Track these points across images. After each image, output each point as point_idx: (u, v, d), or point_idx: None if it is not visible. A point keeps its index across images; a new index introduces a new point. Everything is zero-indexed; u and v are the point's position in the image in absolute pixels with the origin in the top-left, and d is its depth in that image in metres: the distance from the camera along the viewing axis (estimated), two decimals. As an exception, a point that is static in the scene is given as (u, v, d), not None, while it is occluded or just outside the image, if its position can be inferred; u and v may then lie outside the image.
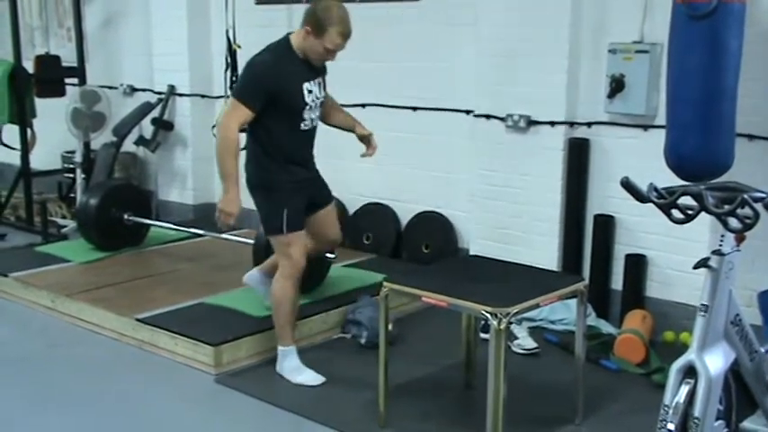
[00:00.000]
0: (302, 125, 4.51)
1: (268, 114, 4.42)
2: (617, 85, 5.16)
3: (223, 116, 4.55)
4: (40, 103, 7.87)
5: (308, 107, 4.47)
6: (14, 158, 7.96)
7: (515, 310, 3.58)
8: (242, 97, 4.38)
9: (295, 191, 4.55)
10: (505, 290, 3.78)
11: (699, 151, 4.28)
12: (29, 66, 7.82)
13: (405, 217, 6.61)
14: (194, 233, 6.69)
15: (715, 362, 3.14)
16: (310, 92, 4.47)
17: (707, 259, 3.14)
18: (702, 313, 3.15)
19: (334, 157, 6.84)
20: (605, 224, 5.41)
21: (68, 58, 8.03)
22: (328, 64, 4.58)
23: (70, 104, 7.46)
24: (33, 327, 5.50)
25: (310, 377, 4.58)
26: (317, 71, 4.54)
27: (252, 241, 5.50)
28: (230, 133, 4.37)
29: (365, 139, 4.88)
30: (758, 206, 3.01)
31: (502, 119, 5.65)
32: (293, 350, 4.64)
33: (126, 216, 6.54)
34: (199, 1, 7.59)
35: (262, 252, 5.33)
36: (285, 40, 4.49)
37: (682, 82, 4.29)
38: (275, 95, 4.36)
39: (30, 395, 4.46)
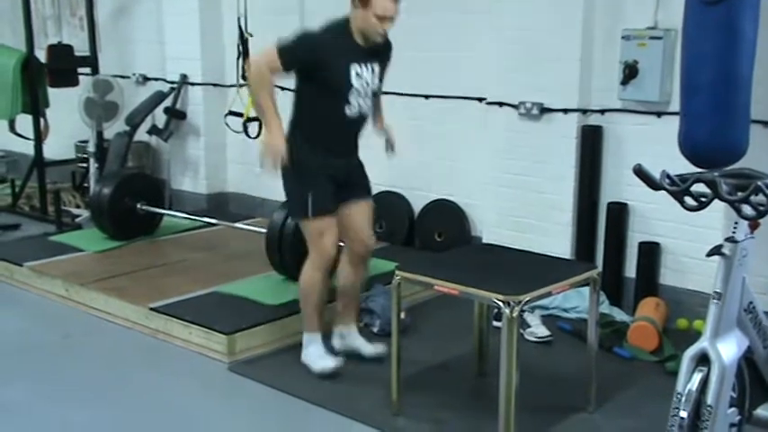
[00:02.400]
0: (347, 110, 4.29)
1: (313, 90, 4.29)
2: (630, 72, 5.13)
3: (255, 55, 4.32)
4: (53, 93, 7.89)
5: (354, 90, 4.26)
6: (28, 148, 7.99)
7: (528, 299, 3.57)
8: (280, 50, 4.18)
9: (325, 176, 4.36)
10: (518, 278, 3.77)
11: (713, 138, 4.25)
12: (41, 55, 7.84)
13: (417, 205, 6.61)
14: (207, 222, 6.70)
15: (728, 349, 3.12)
16: (359, 75, 4.27)
17: (720, 246, 3.13)
18: (716, 301, 3.13)
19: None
20: (618, 212, 5.40)
21: (81, 48, 8.04)
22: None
23: (83, 94, 7.48)
24: (47, 316, 5.52)
25: (330, 362, 4.47)
26: (373, 57, 4.34)
27: (264, 230, 5.50)
28: (261, 68, 4.20)
29: (385, 135, 4.68)
30: (772, 193, 2.98)
31: (515, 106, 5.63)
32: (318, 337, 4.56)
33: (139, 205, 6.56)
34: (211, -10, 7.60)
35: (275, 241, 5.33)
36: (343, 20, 4.29)
37: (696, 68, 4.26)
38: (314, 67, 4.20)
39: (44, 384, 4.48)
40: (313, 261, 4.44)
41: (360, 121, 4.42)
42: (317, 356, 4.52)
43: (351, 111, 4.32)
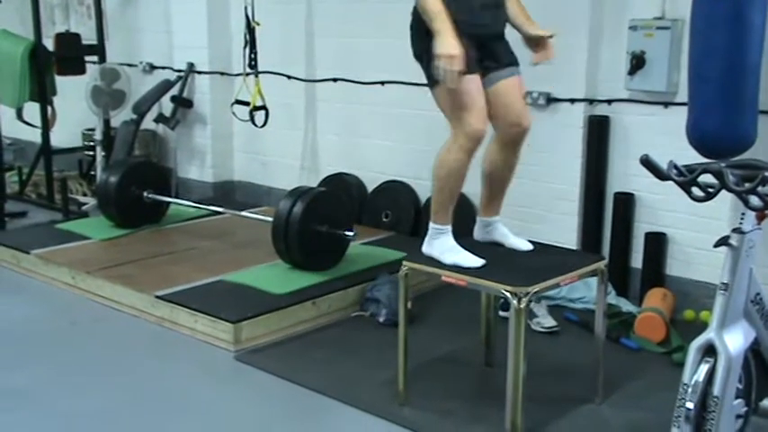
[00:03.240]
0: None
1: None
2: (637, 62, 5.12)
3: None
4: (61, 81, 7.88)
5: None
6: (35, 136, 7.99)
7: (535, 289, 3.58)
8: None
9: (466, 35, 3.69)
10: (525, 269, 3.77)
11: (721, 129, 4.24)
12: (49, 44, 7.83)
13: (424, 195, 6.59)
14: (214, 211, 6.70)
15: (735, 340, 3.12)
16: None
17: (727, 237, 3.12)
18: (722, 292, 3.13)
19: (352, 134, 6.85)
20: (625, 202, 5.39)
21: (88, 36, 8.04)
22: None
23: (90, 82, 7.48)
24: (54, 303, 5.54)
25: (469, 258, 3.84)
26: None
27: (271, 219, 5.50)
28: None
29: (539, 42, 4.02)
30: (780, 184, 2.98)
31: (522, 96, 5.61)
32: (449, 230, 3.96)
33: (146, 193, 6.56)
34: (218, -22, 7.59)
35: (281, 230, 5.33)
36: None
37: (704, 59, 4.25)
38: None
39: (50, 371, 4.49)
40: (457, 140, 3.80)
41: None
42: (447, 248, 3.91)
43: None
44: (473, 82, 3.76)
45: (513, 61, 3.98)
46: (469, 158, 3.82)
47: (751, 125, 4.28)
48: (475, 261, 3.81)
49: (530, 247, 4.08)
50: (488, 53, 3.88)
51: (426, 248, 3.97)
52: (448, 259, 3.86)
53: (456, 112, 3.78)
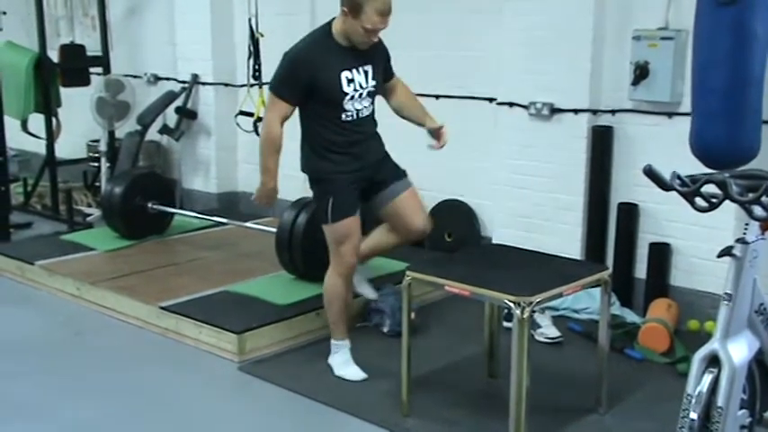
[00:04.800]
0: (344, 116, 4.31)
1: (310, 104, 4.30)
2: (641, 73, 5.12)
3: (265, 113, 4.43)
4: (65, 93, 7.91)
5: (348, 97, 4.28)
6: (40, 147, 8.01)
7: (539, 299, 3.57)
8: (278, 92, 4.29)
9: (343, 180, 4.37)
10: (528, 279, 3.76)
11: (724, 139, 4.23)
12: (54, 55, 7.86)
13: (427, 205, 6.59)
14: (218, 222, 6.71)
15: (739, 351, 3.12)
16: (351, 81, 4.27)
17: (731, 248, 3.12)
18: (726, 302, 3.13)
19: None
20: (629, 212, 5.38)
21: (93, 48, 8.06)
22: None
23: (95, 93, 7.50)
24: (59, 314, 5.54)
25: (353, 372, 4.49)
26: (365, 58, 4.33)
27: (274, 230, 5.51)
28: (272, 129, 4.31)
29: (436, 133, 4.59)
30: (784, 194, 2.98)
31: (525, 107, 5.62)
32: (345, 344, 4.58)
33: (150, 204, 6.58)
34: (222, -10, 7.61)
35: (285, 241, 5.34)
36: (326, 27, 4.32)
37: (707, 69, 4.24)
38: (311, 86, 4.22)
39: (55, 382, 4.50)
40: (334, 267, 4.46)
41: (362, 123, 4.41)
42: (342, 364, 4.54)
43: (347, 116, 4.33)
44: (352, 222, 4.40)
45: (399, 175, 4.59)
46: (345, 281, 4.47)
47: (754, 135, 4.28)
48: (358, 375, 4.47)
49: (375, 296, 4.95)
50: (376, 182, 4.51)
51: (330, 359, 4.60)
52: (339, 372, 4.52)
53: (335, 246, 4.42)
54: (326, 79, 4.23)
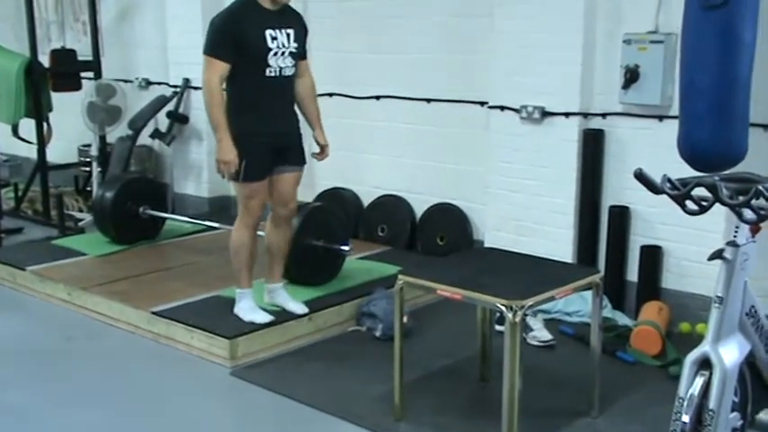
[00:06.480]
0: (268, 71, 4.63)
1: (238, 62, 4.59)
2: (631, 76, 5.14)
3: (203, 74, 4.65)
4: (56, 97, 7.89)
5: (272, 52, 4.61)
6: (31, 152, 7.99)
7: (530, 303, 3.57)
8: (212, 52, 4.59)
9: (260, 144, 4.68)
10: (520, 282, 3.77)
11: (712, 142, 4.22)
12: (45, 60, 7.85)
13: (419, 209, 6.61)
14: (209, 226, 6.70)
15: (730, 353, 3.12)
16: (274, 38, 4.61)
17: (721, 251, 3.13)
18: (717, 305, 3.13)
19: (347, 149, 6.86)
20: (620, 215, 5.40)
21: (84, 52, 8.05)
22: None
23: (86, 98, 7.49)
24: (50, 320, 5.53)
25: (260, 316, 4.90)
26: (287, 22, 4.70)
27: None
28: (212, 86, 4.58)
29: (320, 147, 5.02)
30: (773, 197, 2.98)
31: (516, 110, 5.63)
32: (249, 293, 4.97)
33: (142, 209, 6.57)
34: (213, -6, 7.61)
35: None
36: None
37: (695, 72, 4.24)
38: (239, 42, 4.54)
39: (46, 388, 4.49)
40: (241, 219, 4.87)
41: (284, 82, 4.74)
42: (248, 309, 4.94)
43: (271, 72, 4.64)
44: (260, 185, 4.77)
45: (299, 162, 4.94)
46: (252, 233, 4.88)
47: (742, 138, 4.27)
48: (266, 318, 4.89)
49: (306, 310, 5.06)
50: (282, 157, 4.81)
51: (235, 309, 4.98)
52: (246, 317, 4.91)
53: (243, 200, 4.83)
54: (253, 35, 4.58)
